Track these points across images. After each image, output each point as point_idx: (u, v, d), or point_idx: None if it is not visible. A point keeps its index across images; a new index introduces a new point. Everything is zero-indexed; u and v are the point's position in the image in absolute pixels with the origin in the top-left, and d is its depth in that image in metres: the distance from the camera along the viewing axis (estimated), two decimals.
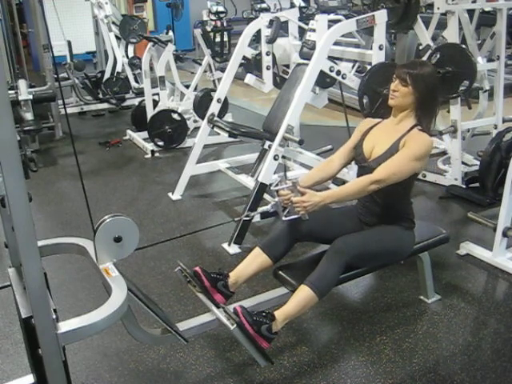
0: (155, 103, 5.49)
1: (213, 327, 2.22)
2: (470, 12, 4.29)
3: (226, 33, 6.01)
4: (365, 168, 2.29)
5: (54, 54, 2.43)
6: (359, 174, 2.37)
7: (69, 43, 6.77)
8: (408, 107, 2.25)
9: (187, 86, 5.77)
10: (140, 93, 6.02)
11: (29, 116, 5.17)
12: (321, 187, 3.92)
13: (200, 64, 5.95)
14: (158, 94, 5.41)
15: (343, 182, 3.30)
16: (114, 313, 1.63)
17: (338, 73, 3.36)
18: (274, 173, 3.38)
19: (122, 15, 6.80)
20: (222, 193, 4.24)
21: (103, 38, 6.77)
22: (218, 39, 5.95)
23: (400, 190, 2.28)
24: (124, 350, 2.39)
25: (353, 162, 2.48)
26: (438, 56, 3.57)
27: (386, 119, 2.39)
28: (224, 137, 3.91)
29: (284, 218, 2.20)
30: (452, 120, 3.93)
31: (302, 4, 6.66)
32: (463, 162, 4.18)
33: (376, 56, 3.34)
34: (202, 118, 4.58)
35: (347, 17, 3.74)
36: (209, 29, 5.90)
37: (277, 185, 2.21)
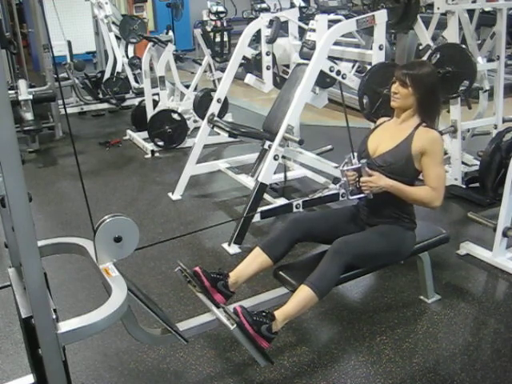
0: (155, 103, 5.49)
1: (213, 327, 2.22)
2: (470, 12, 4.28)
3: (226, 33, 6.02)
4: (368, 165, 2.29)
5: (53, 54, 2.43)
6: None
7: (69, 43, 6.77)
8: (410, 107, 2.27)
9: (187, 86, 5.77)
10: (140, 93, 6.02)
11: (29, 116, 5.17)
12: (318, 186, 3.95)
13: (200, 64, 5.95)
14: (157, 94, 5.41)
15: None
16: (114, 313, 1.62)
17: (338, 73, 3.36)
18: (274, 173, 3.38)
19: (122, 15, 6.80)
20: (222, 193, 4.24)
21: (103, 38, 6.77)
22: (218, 39, 5.95)
23: None
24: (124, 350, 2.39)
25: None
26: (438, 56, 3.57)
27: (390, 119, 2.42)
28: (224, 137, 3.91)
29: (350, 197, 2.31)
30: (452, 120, 3.93)
31: (302, 4, 6.67)
32: (463, 162, 4.17)
33: (376, 56, 3.34)
34: (202, 118, 4.58)
35: (347, 17, 3.74)
36: (209, 29, 5.90)
37: (344, 166, 2.29)
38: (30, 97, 5.18)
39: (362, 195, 2.28)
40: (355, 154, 2.35)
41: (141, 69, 5.74)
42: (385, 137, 2.33)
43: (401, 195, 2.25)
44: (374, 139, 2.38)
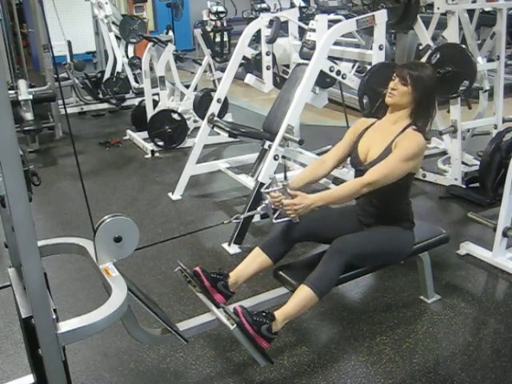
0: (155, 103, 5.49)
1: (213, 327, 2.22)
2: (470, 12, 4.29)
3: (226, 33, 6.02)
4: (361, 172, 2.26)
5: (53, 54, 2.43)
6: (356, 177, 2.36)
7: (69, 43, 6.77)
8: (405, 107, 2.24)
9: (187, 86, 5.77)
10: (140, 93, 6.02)
11: (29, 116, 5.17)
12: (319, 187, 3.95)
13: (200, 64, 5.95)
14: (158, 94, 5.41)
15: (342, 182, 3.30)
16: (114, 313, 1.63)
17: (338, 73, 3.36)
18: (274, 172, 3.38)
19: (122, 15, 6.80)
20: (222, 193, 4.24)
21: (103, 38, 6.77)
22: (218, 39, 5.95)
23: (397, 191, 2.28)
24: (124, 350, 2.39)
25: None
26: (438, 56, 3.57)
27: (380, 119, 2.38)
28: (224, 137, 3.91)
29: (274, 221, 2.19)
30: (452, 120, 3.93)
31: (302, 4, 6.67)
32: (463, 162, 4.18)
33: (376, 56, 3.34)
34: (202, 118, 4.59)
35: (347, 17, 3.74)
36: (209, 29, 5.90)
37: (268, 187, 2.18)
38: (30, 97, 5.18)
39: (286, 219, 2.14)
40: (277, 176, 2.23)
41: (141, 69, 5.74)
42: (375, 139, 2.29)
43: (333, 201, 2.19)
44: (364, 144, 2.32)
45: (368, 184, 2.14)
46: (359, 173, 2.29)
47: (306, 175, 2.43)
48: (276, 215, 2.18)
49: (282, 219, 2.17)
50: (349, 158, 2.41)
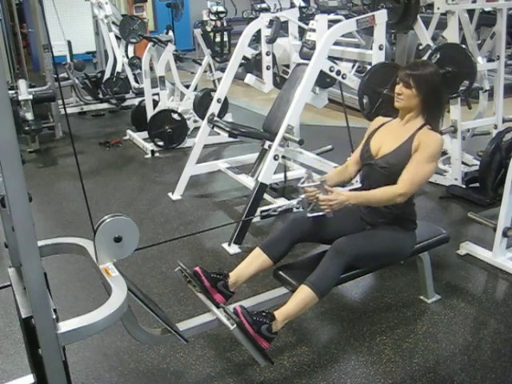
0: (155, 103, 5.49)
1: (213, 327, 2.22)
2: (470, 12, 4.28)
3: (225, 33, 6.01)
4: (371, 166, 2.29)
5: (53, 54, 2.43)
6: (365, 172, 2.38)
7: (69, 43, 6.77)
8: (414, 108, 2.26)
9: (187, 86, 5.77)
10: (140, 93, 6.02)
11: (29, 116, 5.17)
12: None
13: (200, 64, 5.96)
14: (158, 94, 5.42)
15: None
16: (114, 313, 1.62)
17: (338, 73, 3.36)
18: (274, 173, 3.39)
19: (122, 15, 6.80)
20: (222, 193, 4.24)
21: (103, 38, 6.78)
22: (218, 39, 5.95)
23: None
24: (124, 350, 2.39)
25: None
26: (438, 56, 3.57)
27: (393, 119, 2.40)
28: (224, 137, 3.91)
29: (309, 215, 2.24)
30: (452, 120, 3.93)
31: (302, 4, 6.66)
32: (463, 162, 4.18)
33: (376, 56, 3.34)
34: (202, 118, 4.59)
35: (347, 17, 3.74)
36: (209, 29, 5.90)
37: (303, 182, 2.23)
38: (30, 97, 5.18)
39: (321, 213, 2.19)
40: (312, 173, 2.28)
41: (141, 69, 5.74)
42: (388, 137, 2.32)
43: (366, 203, 2.24)
44: (377, 140, 2.36)
45: (403, 194, 2.18)
46: (369, 167, 2.33)
47: (334, 177, 2.46)
48: (310, 209, 2.23)
49: (317, 213, 2.22)
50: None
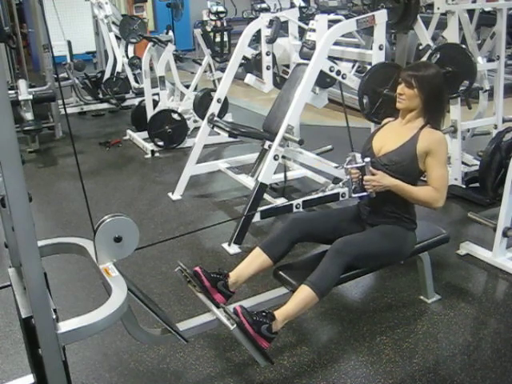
0: (155, 103, 5.49)
1: (213, 327, 2.22)
2: (470, 12, 4.28)
3: (225, 33, 6.01)
4: (372, 163, 2.29)
5: (53, 54, 2.43)
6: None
7: (69, 43, 6.77)
8: (416, 108, 2.27)
9: (187, 86, 5.77)
10: (140, 93, 6.02)
11: (29, 116, 5.17)
12: (316, 186, 3.94)
13: (200, 64, 5.95)
14: (158, 94, 5.41)
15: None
16: (114, 313, 1.62)
17: (338, 73, 3.36)
18: (274, 173, 3.39)
19: (122, 15, 6.80)
20: (222, 193, 4.24)
21: (103, 38, 6.78)
22: (218, 39, 5.95)
23: None
24: (124, 350, 2.39)
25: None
26: (438, 56, 3.57)
27: (396, 119, 2.42)
28: (224, 137, 3.91)
29: (353, 195, 2.32)
30: (452, 120, 3.93)
31: (302, 4, 6.66)
32: (463, 162, 4.17)
33: (376, 56, 3.34)
34: (202, 118, 4.59)
35: (347, 17, 3.74)
36: (209, 29, 5.89)
37: (348, 163, 2.29)
38: (30, 97, 5.18)
39: (364, 193, 2.28)
40: (358, 155, 2.35)
41: (141, 69, 5.74)
42: (390, 136, 2.33)
43: (404, 195, 2.26)
44: (379, 138, 2.38)
45: (441, 202, 2.25)
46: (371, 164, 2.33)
47: None
48: (353, 188, 2.30)
49: (360, 193, 2.30)
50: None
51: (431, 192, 2.24)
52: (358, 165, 2.27)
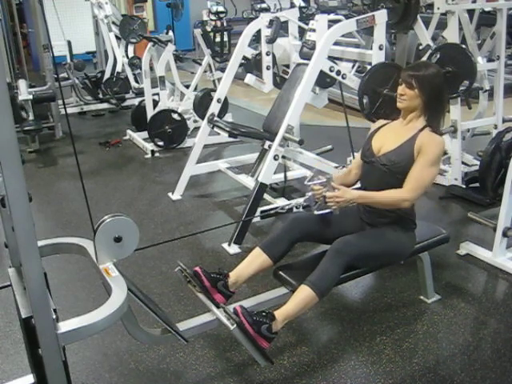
0: (155, 103, 5.49)
1: (213, 327, 2.22)
2: (470, 12, 4.28)
3: (225, 33, 6.01)
4: (372, 163, 2.30)
5: (54, 54, 2.43)
6: (365, 171, 2.39)
7: (69, 43, 6.77)
8: (416, 109, 2.27)
9: (187, 86, 5.77)
10: (140, 93, 6.02)
11: (29, 116, 5.17)
12: None
13: (200, 64, 5.95)
14: (158, 94, 5.42)
15: None
16: (114, 313, 1.62)
17: (338, 73, 3.36)
18: (274, 173, 3.39)
19: (122, 15, 6.80)
20: (222, 193, 4.24)
21: (103, 38, 6.78)
22: (218, 39, 5.95)
23: None
24: (124, 350, 2.39)
25: None
26: (438, 56, 3.57)
27: (394, 120, 2.41)
28: (224, 137, 3.91)
29: (316, 212, 2.26)
30: (452, 120, 3.93)
31: (302, 4, 6.66)
32: (463, 162, 4.17)
33: (376, 56, 3.34)
34: (202, 118, 4.59)
35: (347, 17, 3.74)
36: (209, 29, 5.90)
37: (310, 180, 2.26)
38: (30, 97, 5.18)
39: (327, 210, 2.23)
40: (319, 171, 2.30)
41: (141, 69, 5.74)
42: (390, 136, 2.33)
43: (371, 203, 2.26)
44: (378, 138, 2.38)
45: (409, 200, 2.20)
46: (370, 165, 2.33)
47: (337, 181, 2.45)
48: (316, 206, 2.25)
49: (323, 211, 2.24)
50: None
51: (398, 193, 2.21)
52: (321, 181, 2.22)
